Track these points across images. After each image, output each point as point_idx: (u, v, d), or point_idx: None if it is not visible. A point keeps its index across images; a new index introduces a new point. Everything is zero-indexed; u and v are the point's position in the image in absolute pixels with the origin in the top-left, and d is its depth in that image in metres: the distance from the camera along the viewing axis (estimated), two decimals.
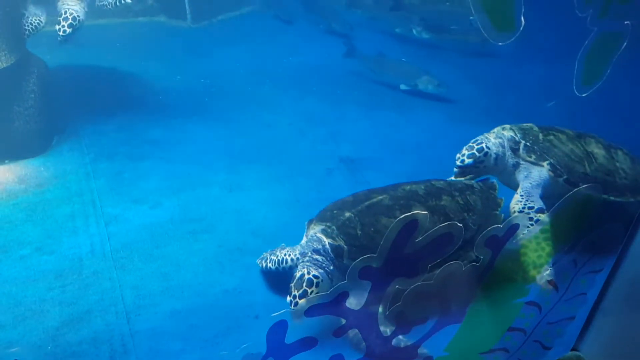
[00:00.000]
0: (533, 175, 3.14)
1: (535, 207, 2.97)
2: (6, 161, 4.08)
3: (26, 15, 4.10)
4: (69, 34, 3.92)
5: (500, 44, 2.10)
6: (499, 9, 2.06)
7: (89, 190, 3.81)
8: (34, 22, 4.12)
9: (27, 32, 4.13)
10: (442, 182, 3.17)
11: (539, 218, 2.85)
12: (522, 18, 2.05)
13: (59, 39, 3.95)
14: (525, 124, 3.34)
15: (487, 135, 3.27)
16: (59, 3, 4.05)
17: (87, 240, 3.38)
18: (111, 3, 4.19)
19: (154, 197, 3.82)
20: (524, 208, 2.99)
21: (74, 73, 5.38)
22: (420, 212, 2.02)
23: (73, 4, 4.04)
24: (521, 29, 2.06)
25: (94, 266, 3.19)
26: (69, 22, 3.91)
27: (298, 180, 4.11)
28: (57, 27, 3.95)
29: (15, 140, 4.10)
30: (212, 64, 6.16)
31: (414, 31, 6.21)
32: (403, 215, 1.97)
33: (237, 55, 6.42)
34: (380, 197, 2.94)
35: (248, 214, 3.73)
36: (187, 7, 7.33)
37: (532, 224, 2.57)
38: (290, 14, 7.05)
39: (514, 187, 3.22)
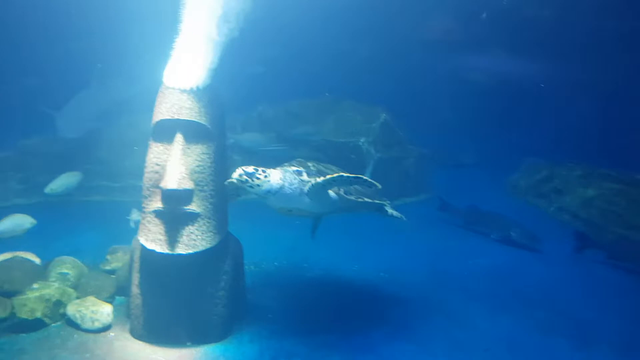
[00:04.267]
0: None
1: None
2: (188, 344, 3.94)
3: None
4: (244, 179, 3.70)
5: None
6: None
7: None
8: None
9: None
10: None
11: None
12: None
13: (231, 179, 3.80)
14: None
15: None
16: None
17: None
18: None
19: None
20: None
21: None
22: None
23: (274, 170, 3.87)
24: None
25: None
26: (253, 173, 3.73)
27: None
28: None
29: (200, 323, 3.98)
30: (389, 254, 5.91)
31: None
32: None
33: (415, 248, 6.10)
34: None
35: None
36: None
37: None
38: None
39: None
